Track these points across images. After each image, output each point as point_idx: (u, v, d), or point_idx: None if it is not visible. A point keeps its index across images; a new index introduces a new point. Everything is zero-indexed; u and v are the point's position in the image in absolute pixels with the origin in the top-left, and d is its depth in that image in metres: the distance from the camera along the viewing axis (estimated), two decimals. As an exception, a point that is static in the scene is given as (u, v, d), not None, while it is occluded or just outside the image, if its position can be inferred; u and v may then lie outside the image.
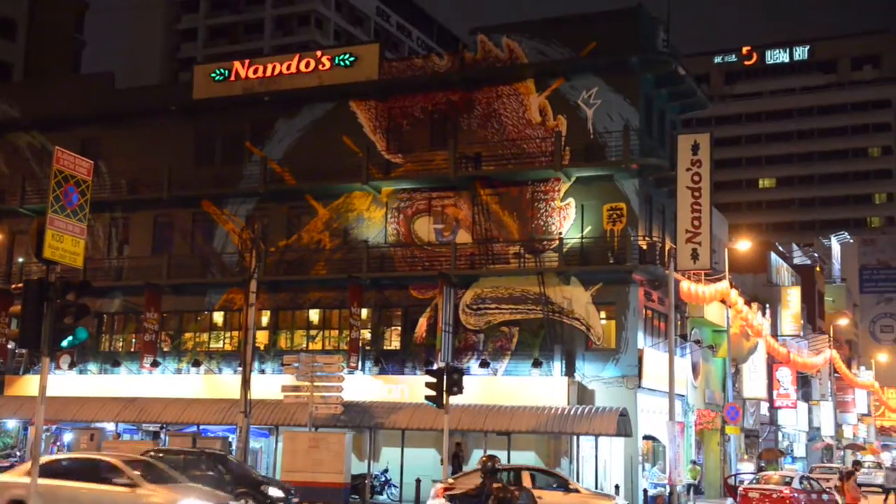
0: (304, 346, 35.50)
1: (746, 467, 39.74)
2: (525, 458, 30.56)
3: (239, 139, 38.39)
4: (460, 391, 25.33)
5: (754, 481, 31.00)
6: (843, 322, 76.08)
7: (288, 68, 37.78)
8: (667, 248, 32.95)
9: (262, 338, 36.02)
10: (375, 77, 36.30)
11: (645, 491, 29.54)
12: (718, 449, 39.14)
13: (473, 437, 31.51)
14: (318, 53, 37.95)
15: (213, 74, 38.82)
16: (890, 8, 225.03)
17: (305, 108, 37.54)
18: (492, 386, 32.30)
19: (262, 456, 33.87)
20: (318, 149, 36.63)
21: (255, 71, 38.28)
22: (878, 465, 58.52)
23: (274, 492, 23.34)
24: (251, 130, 38.31)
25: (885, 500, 38.50)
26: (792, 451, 56.83)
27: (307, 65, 37.48)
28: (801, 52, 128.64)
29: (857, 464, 30.12)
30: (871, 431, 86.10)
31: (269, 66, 38.17)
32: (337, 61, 36.98)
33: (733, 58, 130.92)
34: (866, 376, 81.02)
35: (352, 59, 36.84)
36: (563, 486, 23.64)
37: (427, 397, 25.56)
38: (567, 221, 33.13)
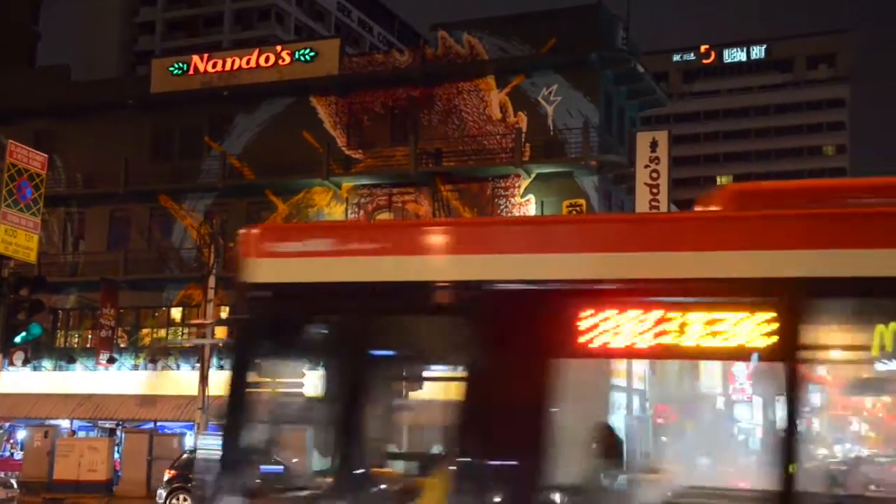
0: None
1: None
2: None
3: (197, 133, 38.05)
4: (420, 387, 25.32)
5: None
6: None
7: (247, 63, 37.51)
8: (625, 244, 33.20)
9: (221, 334, 35.71)
10: (336, 72, 36.17)
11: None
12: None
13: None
14: (278, 48, 37.76)
15: (171, 68, 38.44)
16: (844, 8, 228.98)
17: (265, 103, 37.30)
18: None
19: (221, 453, 33.58)
20: (278, 144, 36.41)
21: (214, 65, 37.96)
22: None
23: None
24: (210, 125, 37.99)
25: None
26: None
27: (267, 59, 37.25)
28: (758, 52, 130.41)
29: None
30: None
31: (229, 61, 37.90)
32: (297, 56, 36.80)
33: (692, 56, 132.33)
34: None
35: (312, 53, 36.68)
36: None
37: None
38: (527, 218, 33.29)
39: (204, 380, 28.04)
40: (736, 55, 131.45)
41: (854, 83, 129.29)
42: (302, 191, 36.29)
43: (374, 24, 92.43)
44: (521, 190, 33.52)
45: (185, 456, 25.46)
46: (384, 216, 35.27)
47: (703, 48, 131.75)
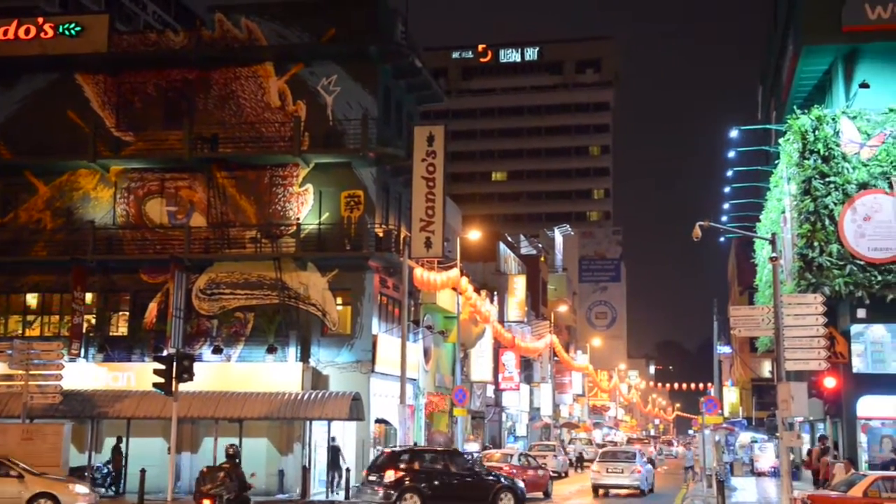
0: (21, 332, 33.17)
1: (472, 447, 41.63)
2: (258, 444, 30.30)
3: (-54, 107, 35.10)
4: (191, 378, 24.64)
5: (478, 459, 32.61)
6: (563, 309, 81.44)
7: (5, 34, 35.03)
8: (402, 235, 33.77)
9: None
10: (104, 49, 34.45)
11: (376, 473, 30.18)
12: (447, 430, 40.72)
13: (204, 424, 30.82)
14: (40, 20, 35.46)
15: (-83, 34, 35.19)
16: (608, 15, 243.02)
17: (25, 78, 34.96)
18: (225, 372, 31.74)
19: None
20: (40, 122, 34.28)
21: (-33, 34, 35.14)
22: (590, 442, 63.30)
23: (520, 483, 27.13)
24: (-39, 98, 35.16)
25: (686, 478, 42.13)
26: (514, 430, 60.16)
27: (27, 31, 34.93)
28: (531, 53, 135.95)
29: (824, 438, 30.95)
30: (584, 411, 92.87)
31: (-16, 30, 35.22)
32: (61, 30, 34.74)
33: (470, 54, 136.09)
34: (582, 360, 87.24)
35: (78, 28, 34.73)
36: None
37: (155, 384, 24.68)
38: (305, 207, 33.13)
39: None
40: (511, 55, 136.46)
41: (617, 88, 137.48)
42: (66, 173, 34.33)
43: (149, 2, 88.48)
44: (300, 179, 33.32)
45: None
46: (156, 202, 34.02)
47: (480, 47, 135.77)
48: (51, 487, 23.00)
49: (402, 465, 25.24)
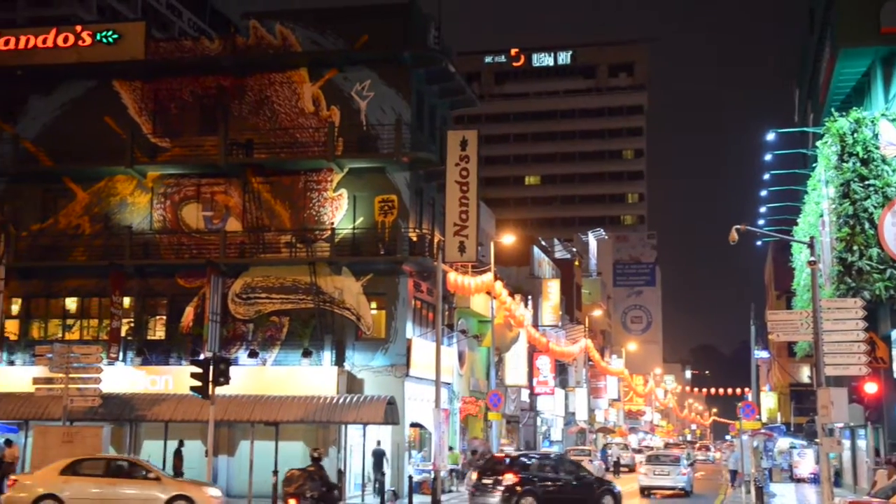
0: (60, 335, 33.61)
1: (507, 451, 41.45)
2: (293, 447, 30.43)
3: (-13, 115, 35.66)
4: (227, 381, 24.87)
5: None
6: (598, 313, 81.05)
7: (44, 42, 35.54)
8: (436, 240, 33.79)
9: (12, 327, 33.76)
10: (141, 57, 34.84)
11: (410, 477, 30.21)
12: (482, 434, 40.67)
13: (241, 427, 31.02)
14: (78, 28, 35.96)
15: (-41, 43, 35.81)
16: (641, 18, 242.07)
17: (64, 86, 35.44)
18: (261, 376, 31.93)
19: (10, 454, 31.69)
20: (78, 129, 34.71)
21: (7, 42, 35.75)
22: (626, 447, 62.91)
23: (617, 487, 28.89)
24: (1, 106, 35.69)
25: (733, 482, 41.40)
26: (549, 434, 59.93)
27: (66, 39, 35.41)
28: (564, 57, 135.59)
29: None
30: (620, 415, 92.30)
31: (23, 39, 35.79)
32: (99, 38, 35.18)
33: (503, 58, 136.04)
34: (617, 364, 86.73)
35: (115, 36, 35.17)
36: None
37: (192, 388, 24.91)
38: (339, 212, 33.26)
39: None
40: (544, 60, 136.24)
41: (650, 91, 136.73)
42: (104, 179, 34.74)
43: (185, 10, 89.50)
44: (334, 184, 33.46)
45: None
46: (192, 207, 34.33)
47: (513, 51, 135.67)
48: (187, 490, 23.43)
49: (517, 469, 26.94)
